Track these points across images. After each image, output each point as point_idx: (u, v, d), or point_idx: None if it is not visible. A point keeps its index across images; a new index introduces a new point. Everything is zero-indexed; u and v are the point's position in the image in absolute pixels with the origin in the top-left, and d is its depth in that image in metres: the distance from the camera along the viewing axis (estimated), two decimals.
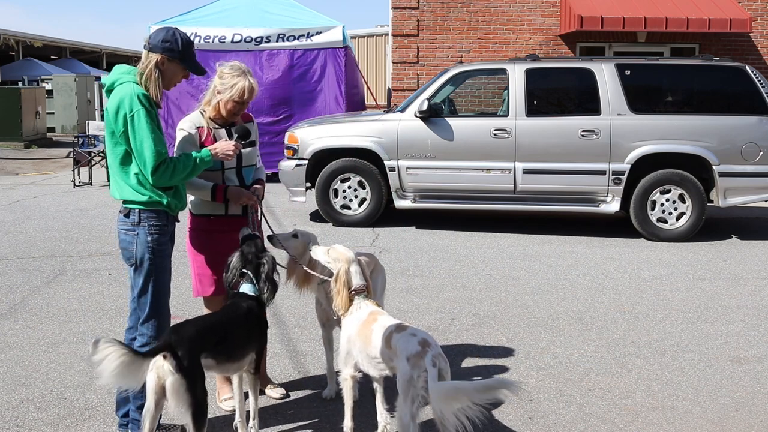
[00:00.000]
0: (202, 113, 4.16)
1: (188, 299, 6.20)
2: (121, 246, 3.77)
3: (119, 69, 3.75)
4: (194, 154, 3.77)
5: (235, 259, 3.82)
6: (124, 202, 3.71)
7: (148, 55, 3.69)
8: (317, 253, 3.90)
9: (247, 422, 3.84)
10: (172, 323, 3.85)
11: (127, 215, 3.69)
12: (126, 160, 3.65)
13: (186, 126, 4.09)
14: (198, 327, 3.44)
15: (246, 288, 3.77)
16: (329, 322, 4.37)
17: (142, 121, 3.56)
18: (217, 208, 4.17)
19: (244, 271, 3.79)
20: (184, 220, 4.16)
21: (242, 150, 4.11)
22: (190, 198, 4.19)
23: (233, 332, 3.56)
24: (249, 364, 3.70)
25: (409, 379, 3.22)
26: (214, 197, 4.07)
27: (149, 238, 3.67)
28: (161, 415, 3.73)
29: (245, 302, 3.71)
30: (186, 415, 3.22)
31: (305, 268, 4.10)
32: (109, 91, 3.71)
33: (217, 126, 4.15)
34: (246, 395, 3.85)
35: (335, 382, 4.33)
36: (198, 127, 4.10)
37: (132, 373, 3.12)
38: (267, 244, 4.11)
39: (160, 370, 3.19)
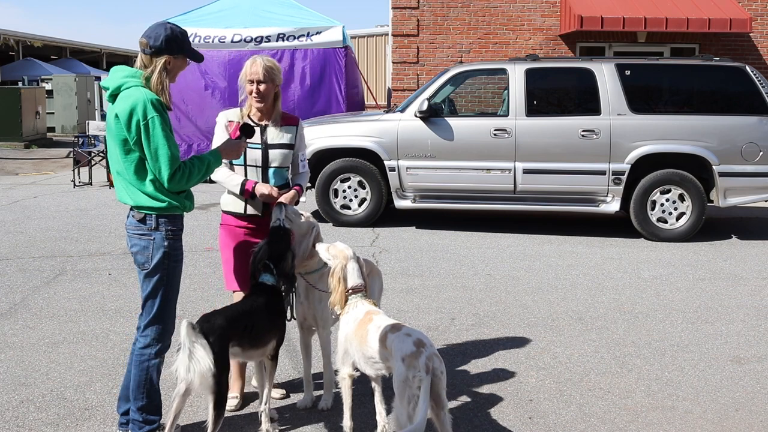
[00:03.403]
0: (241, 109, 4.27)
1: (188, 299, 6.21)
2: (133, 251, 3.69)
3: (122, 72, 3.64)
4: (205, 156, 3.76)
5: (260, 251, 3.92)
6: (138, 207, 3.63)
7: (153, 60, 3.60)
8: (319, 249, 3.93)
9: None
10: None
11: (142, 221, 3.62)
12: (141, 167, 3.57)
13: (220, 118, 4.26)
14: (228, 317, 3.61)
15: (266, 278, 3.90)
16: (306, 322, 4.29)
17: (158, 128, 3.49)
18: (237, 206, 4.21)
19: (267, 262, 3.91)
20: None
21: (269, 151, 4.18)
22: (225, 196, 4.27)
23: (258, 321, 3.75)
24: (269, 351, 3.88)
25: (405, 380, 3.21)
26: (242, 191, 4.11)
27: (166, 243, 3.63)
28: (161, 415, 3.76)
29: (266, 292, 3.87)
30: (208, 401, 3.44)
31: (314, 248, 4.06)
32: (113, 96, 3.60)
33: (252, 123, 4.18)
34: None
35: (311, 393, 4.32)
36: (230, 121, 4.21)
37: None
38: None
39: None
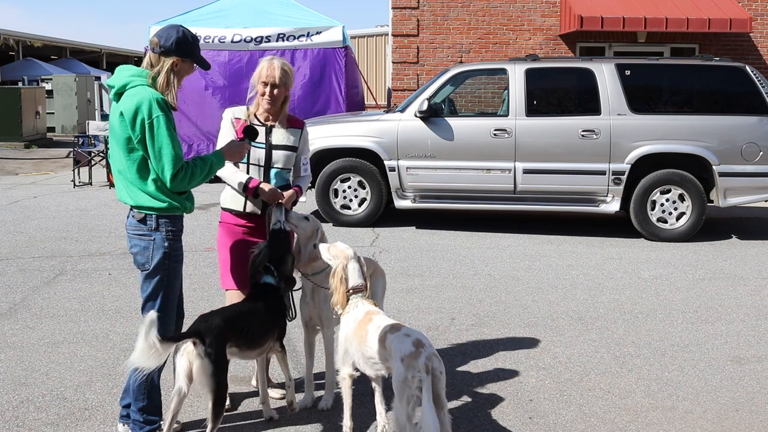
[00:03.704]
0: (248, 108, 4.25)
1: (188, 299, 6.17)
2: (132, 251, 3.69)
3: (128, 71, 3.65)
4: (208, 156, 3.77)
5: (261, 254, 3.94)
6: (139, 207, 3.63)
7: (160, 59, 3.61)
8: (320, 249, 3.93)
9: (268, 403, 4.15)
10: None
11: (142, 221, 3.62)
12: (143, 166, 3.57)
13: (226, 114, 4.23)
14: (225, 317, 3.63)
15: (267, 280, 3.93)
16: (311, 322, 4.30)
17: (162, 127, 3.49)
18: (237, 203, 4.21)
19: (267, 264, 3.93)
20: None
21: (273, 152, 4.18)
22: (225, 193, 4.27)
23: (256, 322, 3.78)
24: (274, 346, 3.95)
25: (404, 380, 3.21)
26: (246, 189, 4.11)
27: (166, 244, 3.63)
28: (162, 416, 3.76)
29: (267, 293, 3.90)
30: (207, 400, 3.48)
31: (316, 249, 4.05)
32: (118, 94, 3.61)
33: (258, 122, 4.18)
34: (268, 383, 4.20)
35: (312, 393, 4.33)
36: (236, 118, 4.19)
37: (152, 354, 3.31)
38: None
39: (190, 354, 3.44)
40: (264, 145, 4.18)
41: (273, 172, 4.21)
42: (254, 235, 4.21)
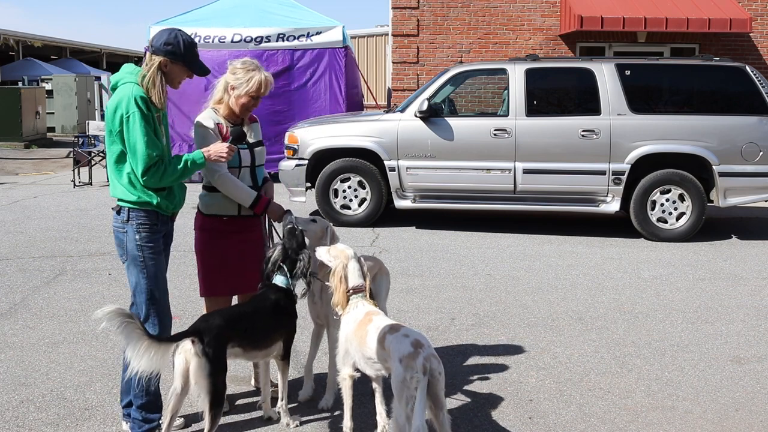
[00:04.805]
0: (215, 111, 4.15)
1: (188, 299, 6.21)
2: (115, 242, 3.85)
3: (126, 68, 3.79)
4: (185, 156, 3.79)
5: (275, 253, 3.92)
6: (118, 199, 3.77)
7: (151, 57, 3.71)
8: (320, 252, 3.92)
9: (274, 404, 4.08)
10: (172, 323, 3.89)
11: (118, 212, 3.76)
12: (120, 159, 3.70)
13: (206, 122, 4.08)
14: (226, 318, 3.61)
15: (278, 280, 3.89)
16: (319, 319, 4.35)
17: (137, 123, 3.59)
18: (230, 208, 4.15)
19: (281, 264, 3.89)
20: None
21: (254, 150, 4.18)
22: (211, 199, 4.19)
23: (261, 323, 3.74)
24: (278, 351, 3.89)
25: (403, 381, 3.21)
26: (254, 207, 4.08)
27: (137, 236, 3.71)
28: (161, 414, 3.75)
29: (274, 294, 3.86)
30: (204, 400, 3.42)
31: (319, 257, 4.05)
32: (114, 89, 3.76)
33: (230, 124, 4.14)
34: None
35: (311, 383, 4.35)
36: (217, 123, 4.10)
37: (154, 357, 3.31)
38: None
39: (187, 353, 3.42)
40: (245, 146, 4.16)
41: (257, 170, 4.23)
42: (249, 237, 4.18)
